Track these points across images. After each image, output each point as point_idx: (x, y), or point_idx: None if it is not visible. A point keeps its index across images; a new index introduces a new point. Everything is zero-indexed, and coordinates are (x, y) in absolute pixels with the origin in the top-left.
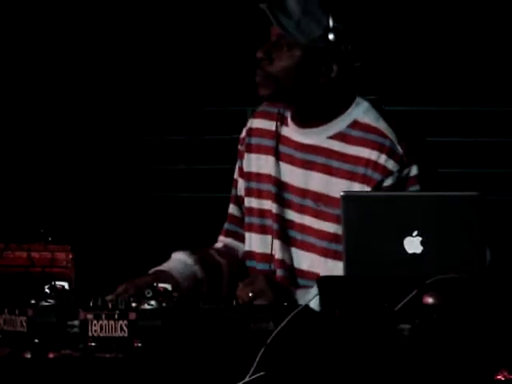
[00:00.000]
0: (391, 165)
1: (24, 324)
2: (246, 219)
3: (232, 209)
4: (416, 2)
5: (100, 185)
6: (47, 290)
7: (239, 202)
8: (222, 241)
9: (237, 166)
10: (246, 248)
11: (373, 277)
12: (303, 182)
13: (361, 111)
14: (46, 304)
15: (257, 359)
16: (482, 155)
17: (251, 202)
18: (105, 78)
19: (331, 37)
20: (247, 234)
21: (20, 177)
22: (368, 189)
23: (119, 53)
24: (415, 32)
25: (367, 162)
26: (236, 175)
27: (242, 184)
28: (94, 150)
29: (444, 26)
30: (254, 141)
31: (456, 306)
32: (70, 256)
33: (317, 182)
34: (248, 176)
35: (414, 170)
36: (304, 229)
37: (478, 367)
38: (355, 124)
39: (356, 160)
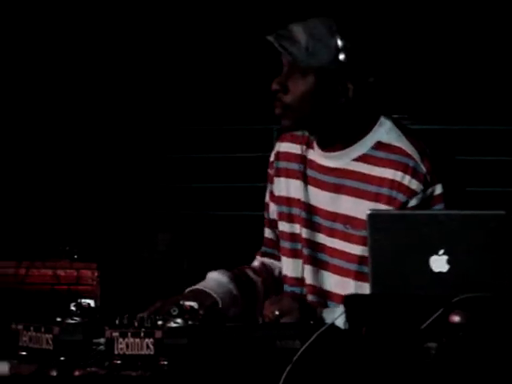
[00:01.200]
0: (415, 185)
1: (50, 342)
2: (280, 243)
3: (267, 233)
4: (436, 19)
5: (126, 202)
6: (73, 308)
7: (273, 225)
8: (258, 259)
9: (267, 190)
10: (283, 272)
11: (399, 295)
12: (332, 206)
13: (384, 131)
14: (72, 322)
15: (283, 377)
16: (508, 174)
17: (283, 226)
18: (133, 98)
19: (342, 57)
20: (282, 258)
21: (46, 194)
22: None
23: (142, 71)
24: (439, 48)
25: (392, 183)
26: (267, 199)
27: (273, 208)
28: (120, 167)
29: (467, 41)
30: (282, 165)
31: (482, 325)
32: (96, 273)
33: (345, 204)
34: (278, 200)
35: (438, 189)
36: (334, 252)
37: None
38: (379, 145)
39: (381, 181)
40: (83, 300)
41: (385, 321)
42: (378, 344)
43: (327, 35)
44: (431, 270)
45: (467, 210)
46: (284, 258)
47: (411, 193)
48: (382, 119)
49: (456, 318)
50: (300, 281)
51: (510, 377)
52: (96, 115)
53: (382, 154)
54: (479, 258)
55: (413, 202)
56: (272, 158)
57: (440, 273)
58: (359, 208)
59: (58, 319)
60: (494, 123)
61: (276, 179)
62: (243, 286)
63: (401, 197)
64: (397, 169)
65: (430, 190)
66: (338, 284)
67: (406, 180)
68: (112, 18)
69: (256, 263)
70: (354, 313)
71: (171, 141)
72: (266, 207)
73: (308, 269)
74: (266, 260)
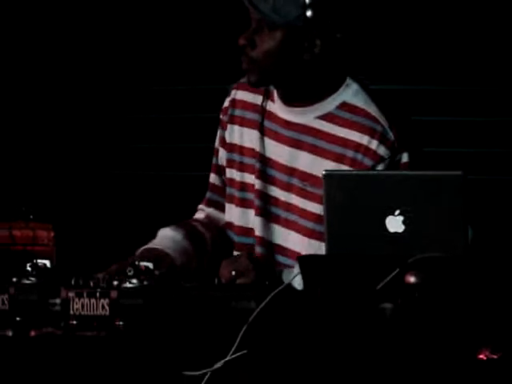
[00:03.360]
0: (383, 151)
1: (5, 302)
2: (227, 190)
3: (213, 178)
4: None
5: (82, 163)
6: (29, 268)
7: (220, 171)
8: (203, 210)
9: (218, 136)
10: (226, 218)
11: (354, 256)
12: (290, 161)
13: (350, 93)
14: (28, 282)
15: (238, 338)
16: (466, 134)
17: (233, 174)
18: (103, 79)
19: (309, 13)
20: (227, 205)
21: (0, 156)
22: None
23: (126, 60)
24: (403, 9)
25: (358, 146)
26: (217, 144)
27: (223, 154)
28: (76, 126)
29: (434, 4)
30: (237, 113)
31: (438, 285)
32: (52, 234)
33: (304, 161)
34: (230, 147)
35: (404, 157)
36: (289, 207)
37: (459, 347)
38: (344, 105)
39: (345, 142)
40: (39, 260)
41: (340, 281)
42: (333, 304)
43: None
44: (387, 231)
45: (423, 171)
46: (231, 206)
47: (378, 158)
48: (349, 81)
49: (411, 279)
50: (248, 231)
51: (464, 337)
52: (53, 75)
53: (348, 114)
54: (435, 218)
55: (379, 168)
56: (226, 104)
57: (396, 233)
58: (318, 166)
59: (14, 279)
60: (451, 84)
61: (229, 126)
62: (196, 241)
63: (367, 161)
64: (363, 132)
65: (397, 157)
66: (289, 239)
67: (374, 145)
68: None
69: (202, 215)
70: (309, 273)
71: (126, 101)
72: (215, 152)
73: (258, 220)
74: (211, 211)
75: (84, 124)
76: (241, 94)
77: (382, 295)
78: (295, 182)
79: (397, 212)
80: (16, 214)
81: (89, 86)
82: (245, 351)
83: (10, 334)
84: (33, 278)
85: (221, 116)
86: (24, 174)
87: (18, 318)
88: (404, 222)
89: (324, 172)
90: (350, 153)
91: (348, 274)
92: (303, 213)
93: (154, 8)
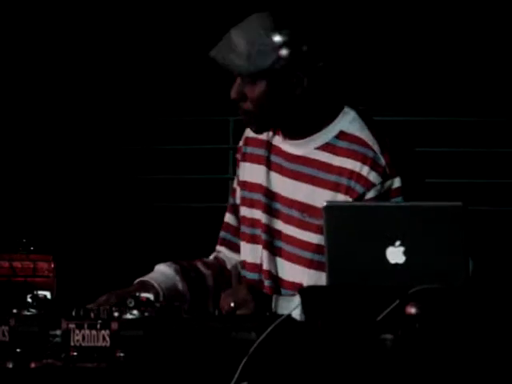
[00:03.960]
0: (373, 177)
1: (6, 333)
2: (241, 228)
3: (228, 218)
4: (394, 11)
5: (82, 195)
6: (29, 300)
7: (236, 211)
8: (216, 250)
9: (236, 175)
10: (241, 257)
11: (355, 287)
12: (291, 193)
13: (347, 121)
14: (28, 313)
15: (239, 369)
16: (467, 165)
17: (245, 212)
18: (108, 87)
19: (284, 52)
20: (241, 243)
21: (2, 186)
22: (351, 200)
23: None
24: (403, 40)
25: (351, 174)
26: (235, 184)
27: (239, 193)
28: (77, 159)
29: (432, 33)
30: (249, 150)
31: (438, 317)
32: (52, 265)
33: (303, 192)
34: (243, 185)
35: (396, 182)
36: (289, 239)
37: (459, 378)
38: (341, 134)
39: (341, 171)
40: (39, 292)
41: (341, 312)
42: (333, 335)
43: (264, 36)
44: (388, 262)
45: (424, 202)
46: (243, 243)
47: (369, 184)
48: (346, 109)
49: (412, 310)
50: (258, 266)
51: (465, 368)
52: (54, 110)
53: (344, 143)
54: (435, 249)
55: (370, 194)
56: (241, 144)
57: (396, 264)
58: (316, 196)
59: (15, 311)
60: (450, 115)
61: (242, 164)
62: (191, 279)
63: (358, 188)
64: (356, 159)
65: (388, 182)
66: (290, 271)
67: (365, 171)
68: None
69: (211, 256)
70: (309, 304)
71: (129, 132)
72: (232, 192)
73: (265, 254)
74: (222, 249)
75: (83, 156)
76: (251, 132)
77: (382, 326)
78: (294, 213)
79: (397, 243)
80: (16, 246)
81: (94, 119)
82: (245, 382)
83: (11, 365)
84: (33, 310)
85: (237, 155)
86: (24, 205)
87: (18, 350)
88: (405, 253)
89: (324, 203)
90: (344, 181)
91: (349, 305)
92: (301, 243)
93: (155, 42)
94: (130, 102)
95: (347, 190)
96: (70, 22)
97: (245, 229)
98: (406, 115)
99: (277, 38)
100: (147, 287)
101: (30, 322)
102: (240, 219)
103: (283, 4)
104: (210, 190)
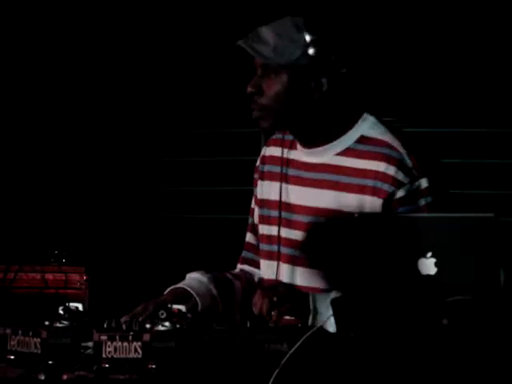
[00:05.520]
0: (401, 176)
1: (38, 345)
2: (260, 246)
3: (248, 237)
4: (424, 21)
5: (114, 207)
6: (61, 312)
7: (255, 230)
8: (238, 267)
9: (254, 195)
10: (261, 274)
11: (387, 298)
12: (314, 201)
13: (367, 126)
14: (60, 325)
15: (271, 381)
16: (497, 176)
17: (263, 229)
18: (121, 102)
19: (311, 51)
20: (261, 261)
21: (35, 197)
22: (379, 201)
23: (129, 74)
24: (425, 51)
25: (376, 174)
26: (253, 204)
27: (257, 212)
28: (109, 170)
29: (453, 44)
30: (266, 168)
31: (470, 328)
32: (84, 277)
33: (328, 199)
34: (261, 203)
35: (424, 183)
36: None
37: None
38: (362, 139)
39: (365, 173)
40: (71, 303)
41: (373, 324)
42: (365, 348)
43: (294, 32)
44: (419, 273)
45: (455, 213)
46: (262, 261)
47: (398, 183)
48: (366, 115)
49: (444, 321)
50: (274, 282)
51: (496, 379)
52: (85, 121)
53: (366, 147)
54: (467, 260)
55: (400, 193)
56: (258, 163)
57: (428, 276)
58: (342, 201)
59: (46, 323)
60: (480, 126)
61: (259, 182)
62: (222, 287)
63: (386, 187)
64: (381, 160)
65: (416, 183)
66: (306, 275)
67: (392, 171)
68: (107, 22)
69: (237, 269)
70: (341, 316)
71: (160, 144)
72: (251, 212)
73: (285, 267)
74: (245, 266)
75: (116, 167)
76: (269, 150)
77: (415, 337)
78: (321, 221)
79: (429, 254)
80: (49, 258)
81: (122, 130)
82: None
83: (43, 377)
84: (65, 322)
85: (254, 175)
86: (56, 217)
87: (50, 362)
88: (436, 265)
89: (355, 214)
90: (369, 182)
91: (380, 316)
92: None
93: (185, 54)
94: (163, 115)
95: (374, 191)
96: (99, 34)
97: (263, 246)
98: (433, 127)
99: (306, 36)
100: (183, 294)
101: (61, 334)
102: (259, 237)
103: (313, 9)
104: (240, 202)
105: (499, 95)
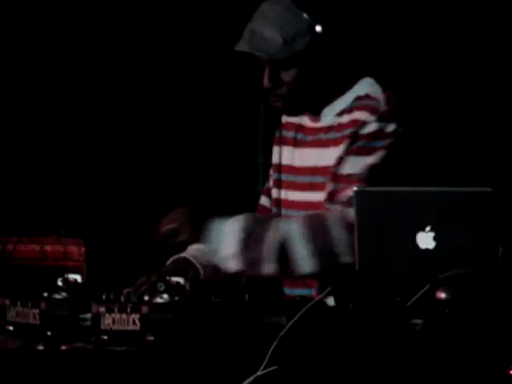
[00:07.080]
0: (365, 116)
1: (37, 317)
2: (273, 210)
3: (263, 200)
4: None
5: (113, 178)
6: (60, 283)
7: (269, 193)
8: None
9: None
10: None
11: (385, 272)
12: (316, 160)
13: (364, 85)
14: (59, 297)
15: (269, 353)
16: (493, 151)
17: (274, 193)
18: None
19: (319, 28)
20: None
21: (33, 170)
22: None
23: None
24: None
25: (354, 122)
26: (271, 171)
27: (272, 177)
28: (108, 143)
29: (445, 22)
30: (282, 134)
31: (468, 301)
32: (83, 249)
33: (330, 158)
34: (274, 168)
35: (391, 126)
36: (311, 206)
37: (490, 362)
38: (357, 99)
39: (347, 125)
40: (70, 275)
41: (371, 297)
42: (364, 320)
43: (294, 19)
44: (418, 247)
45: (454, 188)
46: None
47: (360, 123)
48: (366, 78)
49: (442, 295)
50: None
51: (495, 352)
52: (89, 106)
53: (358, 103)
54: (465, 234)
55: (363, 131)
56: (277, 133)
57: (426, 249)
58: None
59: (45, 294)
60: (479, 101)
61: (275, 148)
62: None
63: (355, 128)
64: (362, 110)
65: (382, 123)
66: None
67: (364, 116)
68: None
69: None
70: (340, 289)
71: (156, 118)
72: (268, 177)
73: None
74: None
75: (117, 141)
76: (285, 118)
77: (412, 311)
78: (319, 179)
79: (427, 228)
80: (47, 230)
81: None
82: (275, 367)
83: (41, 348)
84: (64, 293)
85: (273, 145)
86: (55, 189)
87: (49, 333)
88: (435, 238)
89: (355, 189)
90: (348, 131)
91: (379, 289)
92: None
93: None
94: (163, 110)
95: (350, 136)
96: (105, 36)
97: (274, 209)
98: (432, 100)
99: (307, 17)
100: (185, 264)
101: (60, 306)
102: (272, 202)
103: None
104: (239, 202)
105: (484, 71)
